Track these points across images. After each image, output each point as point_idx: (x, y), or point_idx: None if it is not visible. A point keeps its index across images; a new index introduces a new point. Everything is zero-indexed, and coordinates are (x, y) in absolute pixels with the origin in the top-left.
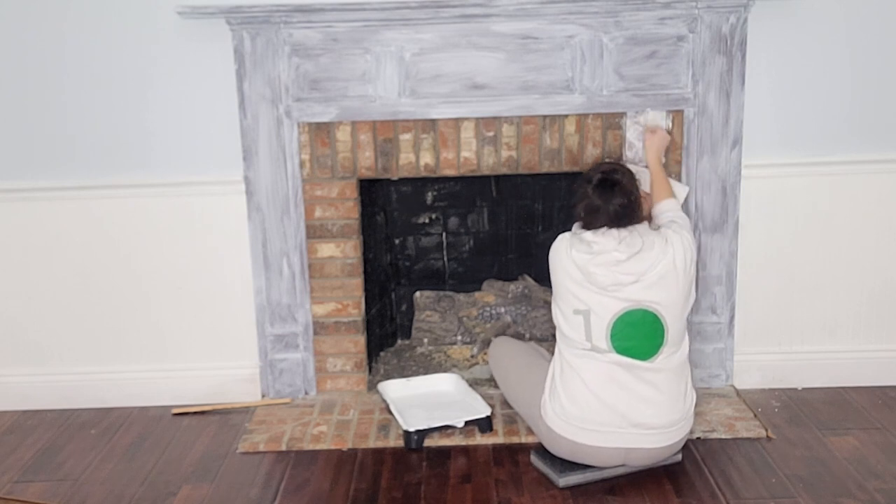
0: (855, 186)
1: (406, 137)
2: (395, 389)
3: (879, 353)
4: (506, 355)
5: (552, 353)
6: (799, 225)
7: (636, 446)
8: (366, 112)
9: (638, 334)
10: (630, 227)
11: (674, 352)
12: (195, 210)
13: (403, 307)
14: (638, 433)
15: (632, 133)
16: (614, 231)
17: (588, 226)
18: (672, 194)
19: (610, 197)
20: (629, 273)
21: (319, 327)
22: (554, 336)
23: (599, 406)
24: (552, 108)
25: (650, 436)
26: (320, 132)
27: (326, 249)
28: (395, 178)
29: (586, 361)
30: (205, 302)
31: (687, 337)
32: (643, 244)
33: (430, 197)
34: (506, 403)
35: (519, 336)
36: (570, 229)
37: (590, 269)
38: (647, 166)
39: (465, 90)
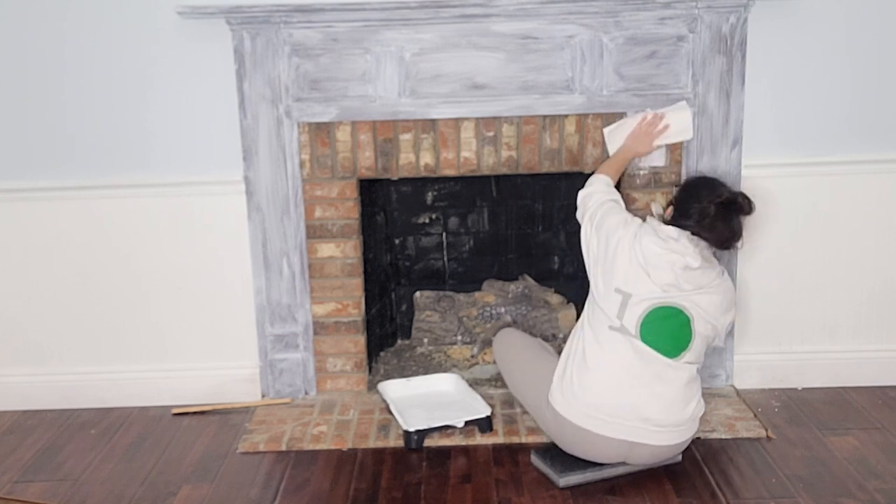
0: (855, 186)
1: (406, 137)
2: (395, 389)
3: (879, 353)
4: (512, 346)
5: (557, 352)
6: (799, 225)
7: (640, 441)
8: (366, 112)
9: (667, 331)
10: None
11: (694, 360)
12: (195, 210)
13: (403, 307)
14: (644, 427)
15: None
16: (698, 239)
17: (681, 227)
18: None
19: (730, 220)
20: (691, 281)
21: (319, 327)
22: (554, 336)
23: (611, 394)
24: (552, 108)
25: (655, 432)
26: (320, 132)
27: (326, 249)
28: (395, 178)
29: (608, 343)
30: (205, 302)
31: (704, 357)
32: (710, 259)
33: (430, 197)
34: (506, 403)
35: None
36: (567, 228)
37: (655, 262)
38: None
39: (465, 90)
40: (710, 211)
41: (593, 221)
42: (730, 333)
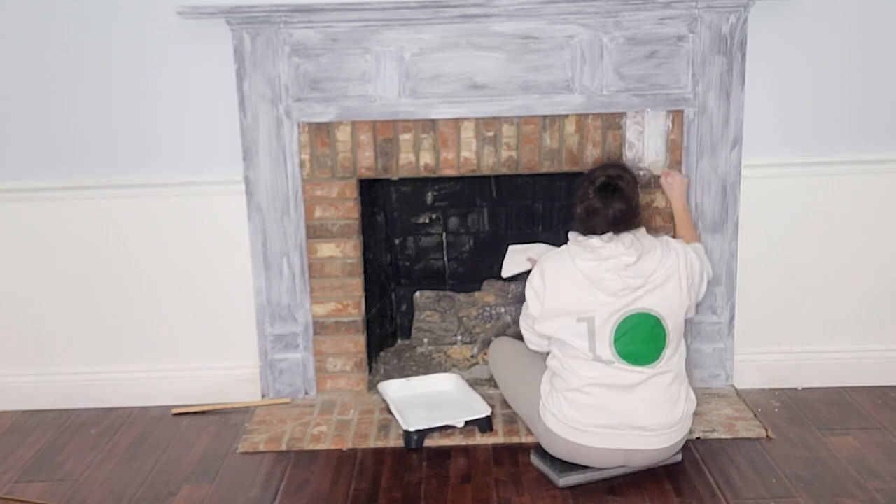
0: (855, 186)
1: (406, 137)
2: (395, 389)
3: (879, 353)
4: (506, 355)
5: None
6: (799, 225)
7: (636, 448)
8: (366, 112)
9: (641, 338)
10: (632, 231)
11: (672, 353)
12: (195, 210)
13: (403, 307)
14: (638, 435)
15: (632, 133)
16: (620, 236)
17: (587, 230)
18: (696, 238)
19: (611, 201)
20: (638, 276)
21: (319, 327)
22: None
23: (598, 409)
24: (552, 108)
25: (650, 437)
26: (320, 132)
27: (326, 249)
28: (395, 178)
29: (588, 371)
30: (205, 302)
31: (684, 340)
32: (644, 247)
33: (430, 197)
34: (506, 403)
35: (519, 336)
36: (567, 228)
37: (598, 276)
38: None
39: (465, 90)
40: (589, 196)
41: (524, 310)
42: (706, 279)
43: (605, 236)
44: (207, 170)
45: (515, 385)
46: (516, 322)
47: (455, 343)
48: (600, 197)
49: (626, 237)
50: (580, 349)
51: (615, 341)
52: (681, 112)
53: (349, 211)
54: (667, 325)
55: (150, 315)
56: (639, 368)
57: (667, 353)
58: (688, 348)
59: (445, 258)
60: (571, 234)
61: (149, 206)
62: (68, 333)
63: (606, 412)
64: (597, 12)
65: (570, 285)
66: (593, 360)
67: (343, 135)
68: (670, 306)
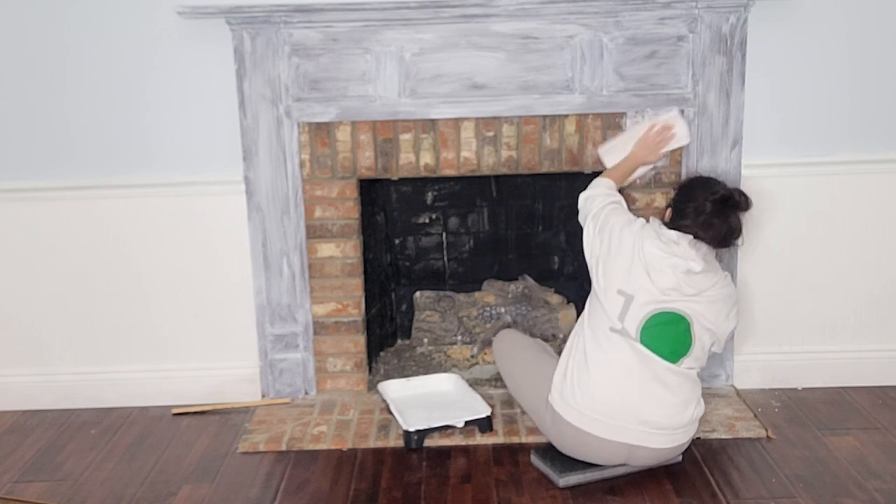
0: (855, 186)
1: (406, 137)
2: (395, 389)
3: (879, 353)
4: (511, 347)
5: (557, 353)
6: (799, 225)
7: (640, 444)
8: (366, 112)
9: (668, 337)
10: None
11: (692, 366)
12: (195, 210)
13: (403, 307)
14: (644, 431)
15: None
16: (698, 243)
17: (676, 227)
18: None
19: (727, 216)
20: (693, 286)
21: (319, 327)
22: (554, 336)
23: (611, 396)
24: (552, 108)
25: (655, 435)
26: (320, 132)
27: (326, 249)
28: (395, 178)
29: (609, 345)
30: (205, 302)
31: (706, 355)
32: (710, 264)
33: (430, 197)
34: (506, 403)
35: (523, 331)
36: (567, 228)
37: (657, 266)
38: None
39: (465, 90)
40: (706, 208)
41: (596, 223)
42: (731, 339)
43: (685, 236)
44: (207, 170)
45: (522, 376)
46: (516, 322)
47: (455, 343)
48: (717, 210)
49: (703, 247)
50: (610, 314)
51: (643, 329)
52: (681, 112)
53: (349, 211)
54: (696, 336)
55: (150, 315)
56: (656, 358)
57: (686, 361)
58: None
59: (445, 258)
60: (653, 220)
61: (149, 206)
62: (68, 333)
63: (618, 401)
64: (597, 12)
65: (627, 258)
66: (619, 331)
67: (343, 135)
68: (706, 323)
